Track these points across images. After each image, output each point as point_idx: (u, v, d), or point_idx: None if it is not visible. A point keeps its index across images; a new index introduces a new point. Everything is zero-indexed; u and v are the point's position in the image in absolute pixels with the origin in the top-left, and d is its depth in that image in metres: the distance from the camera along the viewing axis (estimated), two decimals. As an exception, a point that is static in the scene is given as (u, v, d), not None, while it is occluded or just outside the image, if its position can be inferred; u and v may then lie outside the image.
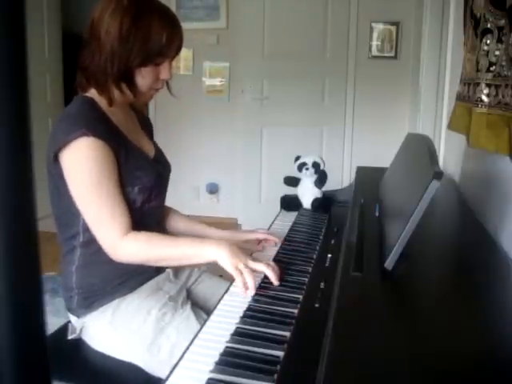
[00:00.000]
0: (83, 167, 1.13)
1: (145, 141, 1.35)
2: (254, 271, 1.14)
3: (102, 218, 1.15)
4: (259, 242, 1.45)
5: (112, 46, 1.14)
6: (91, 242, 1.19)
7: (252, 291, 1.10)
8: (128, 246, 1.17)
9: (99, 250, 1.18)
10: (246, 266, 1.13)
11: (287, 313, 1.02)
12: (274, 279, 1.14)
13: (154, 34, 1.15)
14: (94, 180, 1.13)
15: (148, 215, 1.28)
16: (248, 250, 1.35)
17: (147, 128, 1.43)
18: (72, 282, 1.25)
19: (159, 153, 1.38)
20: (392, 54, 3.70)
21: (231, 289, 1.17)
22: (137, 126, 1.37)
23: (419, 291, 0.96)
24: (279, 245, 1.43)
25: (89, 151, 1.12)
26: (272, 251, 1.38)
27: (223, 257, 1.14)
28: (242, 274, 1.12)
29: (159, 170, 1.32)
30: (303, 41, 3.75)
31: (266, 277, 1.20)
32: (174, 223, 1.49)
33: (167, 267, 1.36)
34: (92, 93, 1.22)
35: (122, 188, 1.19)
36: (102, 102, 1.22)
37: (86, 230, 1.19)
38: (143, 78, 1.20)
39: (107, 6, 1.16)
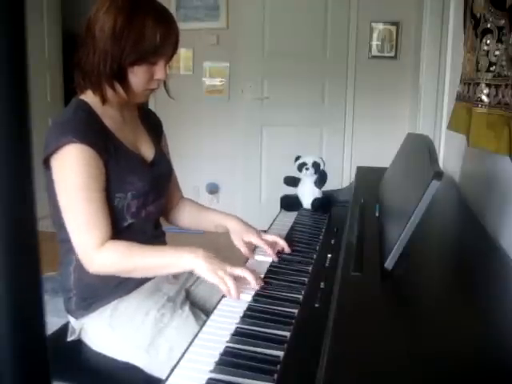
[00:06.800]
0: (67, 174, 1.13)
1: (144, 142, 1.33)
2: (233, 276, 1.11)
3: (79, 227, 1.14)
4: (254, 248, 1.40)
5: (105, 44, 1.14)
6: None
7: (235, 295, 1.08)
8: (102, 258, 1.14)
9: None
10: (225, 272, 1.11)
11: (287, 313, 1.02)
12: (253, 284, 1.12)
13: (147, 32, 1.14)
14: (78, 186, 1.12)
15: (145, 220, 1.27)
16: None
17: (151, 126, 1.40)
18: (70, 282, 1.24)
19: (159, 155, 1.35)
20: (392, 54, 3.70)
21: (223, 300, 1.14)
22: (137, 125, 1.35)
23: (419, 291, 0.96)
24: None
25: (75, 158, 1.11)
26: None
27: (200, 266, 1.12)
28: (223, 281, 1.10)
29: (156, 174, 1.30)
30: (303, 41, 3.75)
31: (266, 276, 1.20)
32: (185, 215, 1.50)
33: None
34: (88, 94, 1.22)
35: (112, 194, 1.18)
36: (96, 103, 1.21)
37: None
38: (137, 77, 1.18)
39: (102, 4, 1.16)
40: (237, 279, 1.11)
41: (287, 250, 1.36)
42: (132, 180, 1.21)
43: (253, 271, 1.15)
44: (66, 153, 1.11)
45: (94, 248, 1.13)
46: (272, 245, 1.35)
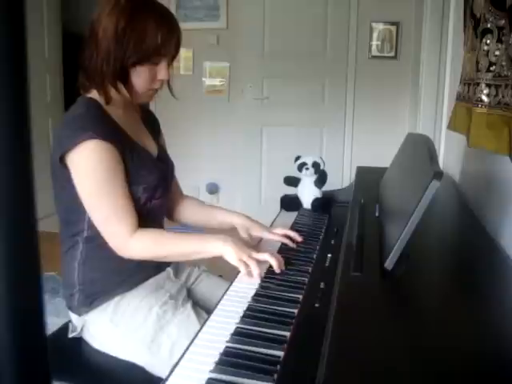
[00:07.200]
0: (92, 168, 1.14)
1: (148, 140, 1.36)
2: (258, 261, 1.18)
3: (111, 218, 1.17)
4: (260, 240, 1.44)
5: (108, 45, 1.15)
6: (94, 238, 1.21)
7: (257, 279, 1.16)
8: (138, 244, 1.18)
9: (100, 245, 1.19)
10: (250, 258, 1.17)
11: (287, 313, 1.02)
12: (276, 268, 1.19)
13: (148, 33, 1.15)
14: (103, 180, 1.14)
15: (150, 213, 1.29)
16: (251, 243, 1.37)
17: (151, 126, 1.42)
18: (74, 278, 1.25)
19: (162, 151, 1.39)
20: (392, 54, 3.70)
21: (236, 280, 1.19)
22: (140, 124, 1.37)
23: (419, 291, 0.96)
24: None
25: (96, 153, 1.13)
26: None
27: (228, 252, 1.18)
28: (246, 265, 1.16)
29: (163, 168, 1.34)
30: (303, 41, 3.75)
31: (266, 276, 1.20)
32: (188, 212, 1.51)
33: (167, 266, 1.36)
34: (94, 93, 1.23)
35: (129, 187, 1.20)
36: (103, 102, 1.22)
37: (91, 226, 1.20)
38: (139, 77, 1.20)
39: (105, 5, 1.17)
40: (261, 264, 1.19)
41: (298, 239, 1.41)
42: (144, 174, 1.24)
43: (277, 257, 1.22)
44: (86, 149, 1.13)
45: (127, 236, 1.17)
46: (284, 236, 1.40)
